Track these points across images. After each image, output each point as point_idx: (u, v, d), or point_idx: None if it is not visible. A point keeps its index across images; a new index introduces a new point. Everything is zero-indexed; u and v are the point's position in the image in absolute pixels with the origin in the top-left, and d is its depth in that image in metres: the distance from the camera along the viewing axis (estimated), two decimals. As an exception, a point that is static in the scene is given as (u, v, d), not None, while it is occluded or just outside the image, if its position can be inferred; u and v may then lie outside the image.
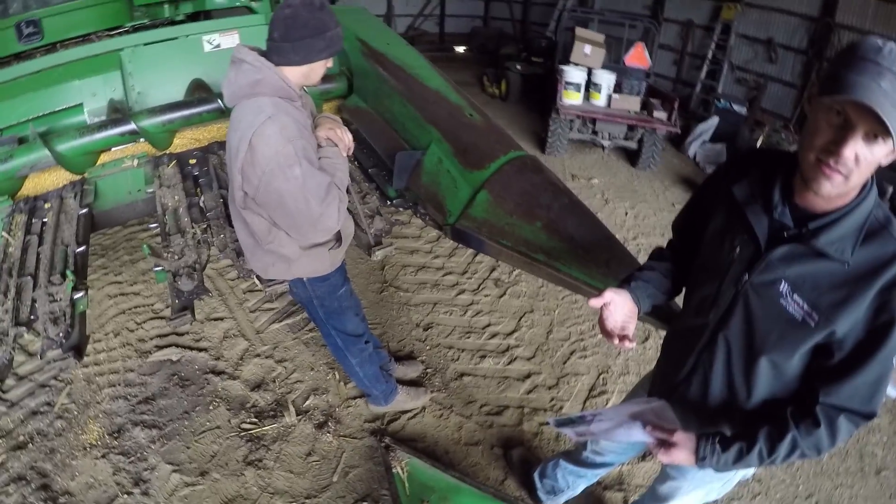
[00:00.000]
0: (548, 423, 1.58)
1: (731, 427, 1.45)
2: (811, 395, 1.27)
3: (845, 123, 1.04)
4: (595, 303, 1.46)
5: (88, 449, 2.84)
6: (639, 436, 1.44)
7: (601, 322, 1.47)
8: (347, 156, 2.17)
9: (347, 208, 2.17)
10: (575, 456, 2.28)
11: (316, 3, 1.87)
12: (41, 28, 3.20)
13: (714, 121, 7.40)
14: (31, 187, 3.01)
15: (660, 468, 1.91)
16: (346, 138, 2.11)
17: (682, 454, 1.37)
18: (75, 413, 3.03)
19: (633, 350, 1.25)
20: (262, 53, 1.90)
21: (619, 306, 1.48)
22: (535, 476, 2.59)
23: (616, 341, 1.42)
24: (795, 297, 1.23)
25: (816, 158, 1.10)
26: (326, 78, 3.53)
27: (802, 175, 1.16)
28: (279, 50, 1.87)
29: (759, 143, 6.80)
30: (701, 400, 1.49)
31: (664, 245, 1.76)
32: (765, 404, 1.39)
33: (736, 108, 7.39)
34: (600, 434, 1.50)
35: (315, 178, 1.86)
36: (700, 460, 1.35)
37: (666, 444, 1.39)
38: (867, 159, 1.06)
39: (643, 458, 2.96)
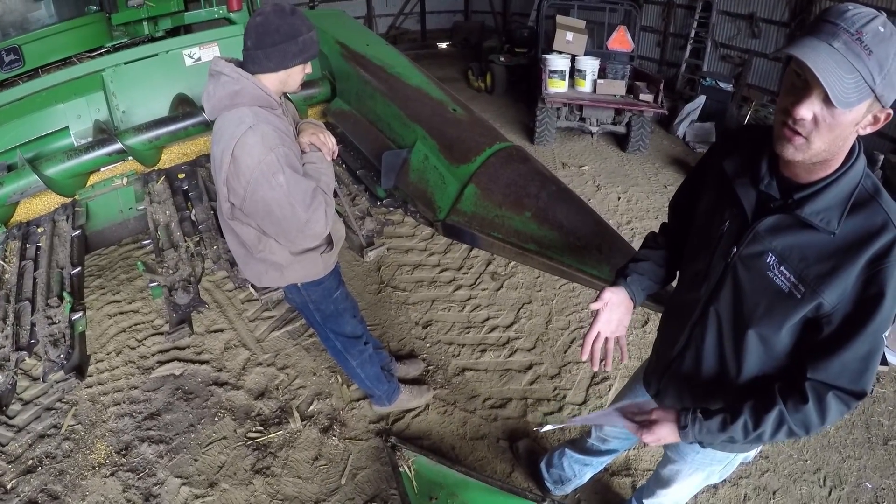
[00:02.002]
0: (537, 430, 1.62)
1: (722, 403, 1.45)
2: (800, 371, 1.26)
3: (804, 84, 1.04)
4: (596, 306, 1.49)
5: (97, 468, 2.85)
6: (620, 422, 1.47)
7: (592, 324, 1.50)
8: (333, 159, 2.17)
9: (337, 211, 2.17)
10: (580, 444, 2.29)
11: (286, 8, 1.87)
12: (22, 55, 3.21)
13: (701, 100, 7.41)
14: (22, 213, 3.02)
15: (663, 452, 1.92)
16: (329, 142, 2.11)
17: (663, 429, 1.39)
18: (82, 433, 3.04)
19: (620, 366, 1.28)
20: (240, 64, 1.91)
21: (615, 306, 1.51)
22: (542, 466, 2.60)
23: (586, 356, 1.49)
24: (782, 268, 1.22)
25: (781, 121, 1.10)
26: (309, 83, 3.54)
27: (773, 140, 1.16)
28: (253, 58, 1.87)
29: (747, 119, 6.80)
30: (694, 375, 1.50)
31: (658, 228, 1.77)
32: (755, 380, 1.39)
33: (722, 85, 7.39)
34: (585, 421, 1.56)
35: (300, 184, 1.87)
36: (682, 429, 1.36)
37: (647, 424, 1.41)
38: (827, 122, 1.04)
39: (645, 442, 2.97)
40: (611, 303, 1.51)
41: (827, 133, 1.06)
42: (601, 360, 1.51)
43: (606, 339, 1.50)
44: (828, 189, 1.16)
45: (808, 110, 1.04)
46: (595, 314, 1.50)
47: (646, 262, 1.64)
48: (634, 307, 1.58)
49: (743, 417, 1.29)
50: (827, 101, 1.01)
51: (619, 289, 1.54)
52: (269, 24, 1.84)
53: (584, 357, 1.46)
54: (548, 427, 1.65)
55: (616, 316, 1.52)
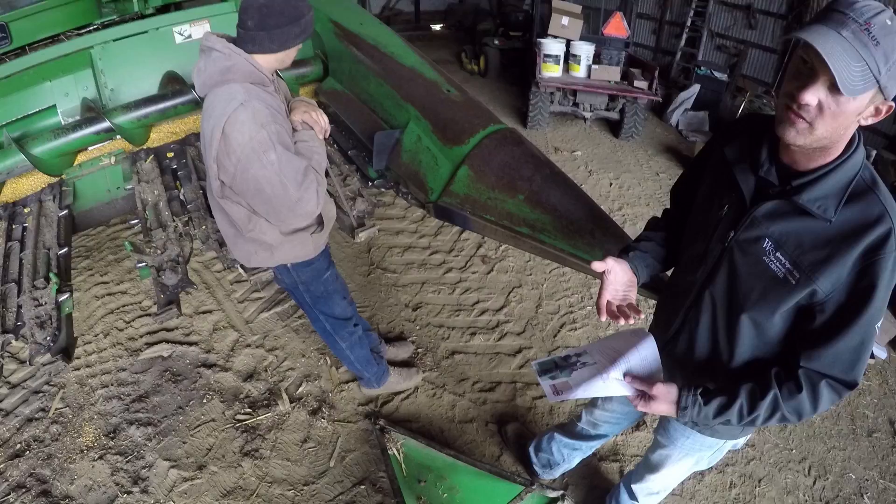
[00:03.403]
0: (533, 369, 1.52)
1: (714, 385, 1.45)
2: (794, 359, 1.27)
3: (810, 71, 1.04)
4: (598, 266, 1.44)
5: (85, 451, 2.83)
6: (618, 389, 1.40)
7: (600, 293, 1.45)
8: (325, 138, 2.14)
9: (328, 191, 2.15)
10: (569, 428, 2.29)
11: None
12: (9, 32, 3.16)
13: (695, 88, 7.39)
14: (9, 193, 2.99)
15: (653, 437, 1.92)
16: (321, 121, 2.08)
17: (662, 405, 1.36)
18: (70, 416, 3.01)
19: (639, 320, 1.25)
20: (232, 40, 1.87)
21: (619, 275, 1.46)
22: (531, 450, 2.61)
23: (605, 317, 1.41)
24: (778, 254, 1.23)
25: (784, 104, 1.10)
26: (302, 62, 3.50)
27: (775, 123, 1.16)
28: (254, 39, 1.84)
29: (741, 110, 6.80)
30: (687, 358, 1.51)
31: (653, 214, 1.77)
32: (747, 365, 1.40)
33: (717, 74, 7.37)
34: (578, 388, 1.43)
35: (291, 162, 1.84)
36: (682, 410, 1.35)
37: (646, 396, 1.38)
38: (831, 109, 1.05)
39: (637, 427, 2.99)
40: (614, 270, 1.45)
41: (830, 120, 1.06)
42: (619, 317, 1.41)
43: (618, 305, 1.43)
44: (826, 177, 1.16)
45: (813, 96, 1.04)
46: (601, 283, 1.45)
47: (648, 242, 1.64)
48: (638, 283, 1.53)
49: (739, 401, 1.30)
50: (832, 87, 1.02)
51: (621, 260, 1.50)
52: (273, 5, 1.81)
53: (603, 319, 1.41)
54: (543, 378, 1.52)
55: (621, 284, 1.47)
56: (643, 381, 1.38)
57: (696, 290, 1.42)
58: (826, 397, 1.25)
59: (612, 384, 1.39)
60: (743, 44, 7.70)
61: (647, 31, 9.22)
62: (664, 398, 1.36)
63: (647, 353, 1.40)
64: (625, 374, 1.39)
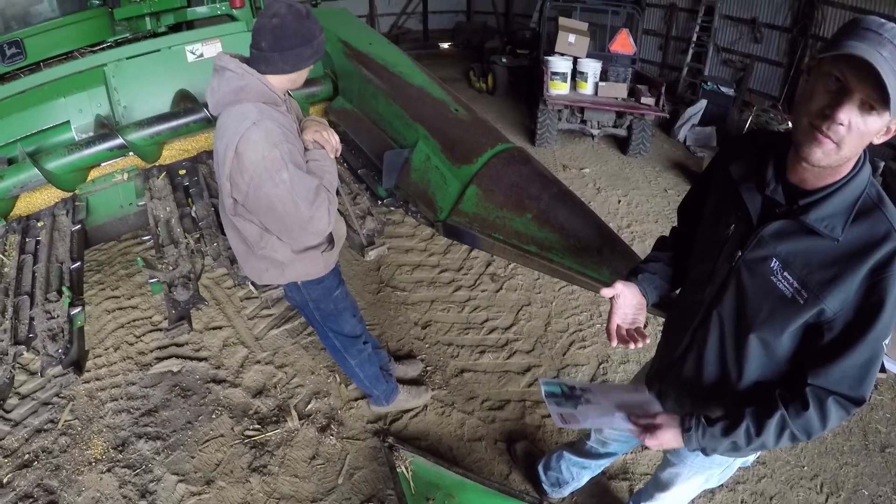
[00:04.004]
0: (539, 387, 1.56)
1: (723, 409, 1.45)
2: (801, 377, 1.27)
3: (843, 89, 1.04)
4: (607, 292, 1.48)
5: (94, 464, 2.84)
6: (623, 425, 1.45)
7: (610, 317, 1.48)
8: (336, 157, 2.17)
9: (338, 209, 2.17)
10: (579, 447, 2.28)
11: (303, 11, 1.87)
12: (24, 48, 3.20)
13: (702, 104, 7.40)
14: (22, 207, 3.01)
15: (662, 455, 1.92)
16: (332, 140, 2.11)
17: (667, 434, 1.39)
18: (79, 429, 3.03)
19: (645, 344, 1.30)
20: (245, 60, 1.90)
21: (628, 298, 1.50)
22: (540, 469, 2.60)
23: (616, 342, 1.45)
24: (786, 274, 1.23)
25: (810, 123, 1.09)
26: (312, 81, 3.54)
27: (795, 142, 1.15)
28: (267, 59, 1.87)
29: (748, 124, 6.80)
30: (695, 379, 1.50)
31: (662, 232, 1.78)
32: (756, 384, 1.39)
33: (724, 89, 7.40)
34: (585, 421, 1.49)
35: (303, 181, 1.86)
36: (686, 432, 1.36)
37: (650, 428, 1.41)
38: (860, 129, 1.05)
39: (646, 446, 2.96)
40: (623, 294, 1.49)
41: (857, 140, 1.07)
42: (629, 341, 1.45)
43: (627, 329, 1.47)
44: (833, 196, 1.16)
45: (846, 115, 1.04)
46: (610, 307, 1.49)
47: (656, 263, 1.65)
48: (648, 305, 1.56)
49: (745, 422, 1.30)
50: (862, 106, 1.02)
51: (630, 283, 1.53)
52: (286, 27, 1.83)
53: (614, 344, 1.44)
54: (550, 401, 1.56)
55: (630, 308, 1.50)
56: (646, 415, 1.43)
57: (704, 309, 1.42)
58: (834, 414, 1.24)
59: (617, 420, 1.47)
60: (749, 58, 7.73)
61: (653, 47, 9.28)
62: (668, 425, 1.39)
63: (647, 405, 1.49)
64: (629, 416, 1.47)
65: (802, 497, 2.81)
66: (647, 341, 1.40)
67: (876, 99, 1.00)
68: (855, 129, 1.05)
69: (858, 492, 2.85)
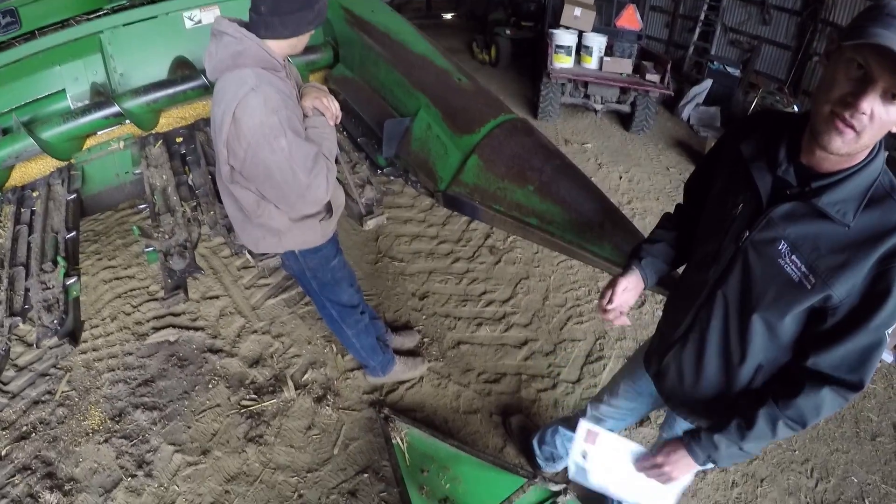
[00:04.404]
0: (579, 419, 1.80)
1: (720, 394, 1.50)
2: (799, 360, 1.28)
3: (865, 77, 1.01)
4: (612, 307, 1.54)
5: (91, 434, 2.85)
6: (643, 483, 1.60)
7: (610, 298, 1.54)
8: (335, 125, 2.13)
9: (337, 178, 2.14)
10: (574, 422, 2.28)
11: None
12: (18, 17, 3.15)
13: (707, 83, 7.31)
14: (18, 177, 3.00)
15: (658, 433, 1.92)
16: (332, 107, 2.07)
17: (676, 454, 1.49)
18: (76, 400, 3.03)
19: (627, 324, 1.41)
20: (244, 24, 1.86)
21: (628, 291, 1.56)
22: (534, 443, 2.61)
23: (609, 318, 1.56)
24: (794, 257, 1.21)
25: (831, 111, 1.06)
26: (312, 48, 3.49)
27: (813, 130, 1.13)
28: (268, 24, 1.82)
29: (753, 106, 6.74)
30: (696, 357, 1.48)
31: (663, 209, 1.77)
32: (758, 366, 1.39)
33: (730, 70, 7.30)
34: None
35: (302, 148, 1.83)
36: (689, 450, 1.45)
37: (657, 466, 1.51)
38: (882, 118, 1.02)
39: (641, 423, 2.97)
40: (625, 289, 1.56)
41: (879, 128, 1.05)
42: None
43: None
44: (847, 181, 1.14)
45: (869, 104, 1.01)
46: (612, 292, 1.55)
47: (660, 244, 1.65)
48: (644, 288, 1.62)
49: (736, 419, 1.36)
50: (885, 95, 1.00)
51: (631, 276, 1.58)
52: None
53: (608, 327, 1.57)
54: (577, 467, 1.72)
55: (627, 299, 1.57)
56: (648, 463, 1.57)
57: (709, 289, 1.40)
58: (829, 402, 1.26)
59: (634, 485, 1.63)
60: (756, 39, 7.62)
61: (659, 24, 9.14)
62: (670, 451, 1.50)
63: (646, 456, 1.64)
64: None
65: (793, 481, 2.83)
66: (627, 322, 1.52)
67: None
68: (877, 119, 1.03)
69: (848, 478, 2.87)
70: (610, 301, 1.53)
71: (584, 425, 1.69)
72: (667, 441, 1.55)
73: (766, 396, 1.31)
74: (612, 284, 1.56)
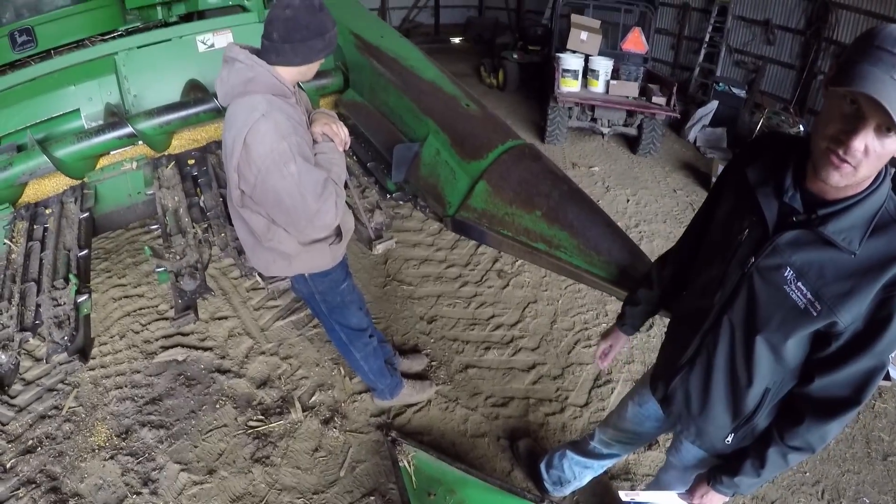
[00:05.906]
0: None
1: (728, 419, 1.52)
2: (801, 384, 1.32)
3: (857, 114, 1.02)
4: (605, 365, 2.04)
5: (97, 451, 2.85)
6: None
7: (604, 356, 2.03)
8: (344, 150, 2.16)
9: (347, 203, 2.16)
10: (582, 447, 2.28)
11: (315, 4, 1.87)
12: (34, 36, 3.21)
13: (713, 105, 7.34)
14: (31, 194, 3.02)
15: (665, 457, 1.91)
16: (341, 133, 2.10)
17: (708, 498, 1.59)
18: (83, 416, 3.04)
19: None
20: (255, 51, 1.90)
21: (615, 348, 1.99)
22: (542, 467, 2.59)
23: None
24: (799, 284, 1.21)
25: (826, 147, 1.07)
26: (322, 73, 3.52)
27: (812, 162, 1.14)
28: (279, 51, 1.86)
29: (759, 126, 6.76)
30: (704, 382, 1.49)
31: (670, 233, 1.85)
32: (765, 390, 1.39)
33: (735, 91, 7.34)
34: None
35: (311, 174, 1.86)
36: (713, 486, 1.55)
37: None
38: (877, 152, 1.03)
39: (649, 447, 2.96)
40: (614, 348, 2.00)
41: (875, 161, 1.05)
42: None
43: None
44: (853, 208, 1.15)
45: (861, 142, 1.02)
46: (606, 350, 2.01)
47: (640, 306, 1.85)
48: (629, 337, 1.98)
49: (749, 459, 1.45)
50: (878, 130, 1.01)
51: (618, 340, 1.97)
52: (299, 19, 1.83)
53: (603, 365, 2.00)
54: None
55: (615, 352, 2.01)
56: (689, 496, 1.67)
57: (715, 314, 1.41)
58: (834, 427, 1.30)
59: None
60: (761, 59, 7.68)
61: (665, 46, 9.23)
62: (704, 489, 1.59)
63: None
64: None
65: (803, 503, 2.79)
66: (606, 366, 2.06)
67: (892, 124, 0.98)
68: (872, 153, 1.03)
69: (859, 500, 2.84)
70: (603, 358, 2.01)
71: (623, 496, 1.89)
72: (695, 483, 1.65)
73: (772, 434, 1.38)
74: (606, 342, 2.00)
